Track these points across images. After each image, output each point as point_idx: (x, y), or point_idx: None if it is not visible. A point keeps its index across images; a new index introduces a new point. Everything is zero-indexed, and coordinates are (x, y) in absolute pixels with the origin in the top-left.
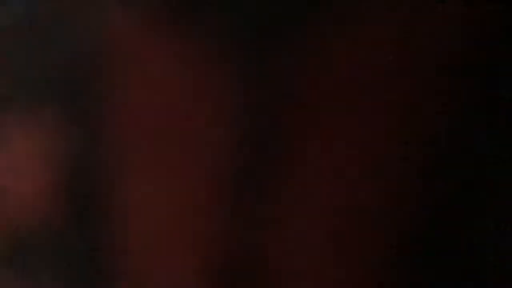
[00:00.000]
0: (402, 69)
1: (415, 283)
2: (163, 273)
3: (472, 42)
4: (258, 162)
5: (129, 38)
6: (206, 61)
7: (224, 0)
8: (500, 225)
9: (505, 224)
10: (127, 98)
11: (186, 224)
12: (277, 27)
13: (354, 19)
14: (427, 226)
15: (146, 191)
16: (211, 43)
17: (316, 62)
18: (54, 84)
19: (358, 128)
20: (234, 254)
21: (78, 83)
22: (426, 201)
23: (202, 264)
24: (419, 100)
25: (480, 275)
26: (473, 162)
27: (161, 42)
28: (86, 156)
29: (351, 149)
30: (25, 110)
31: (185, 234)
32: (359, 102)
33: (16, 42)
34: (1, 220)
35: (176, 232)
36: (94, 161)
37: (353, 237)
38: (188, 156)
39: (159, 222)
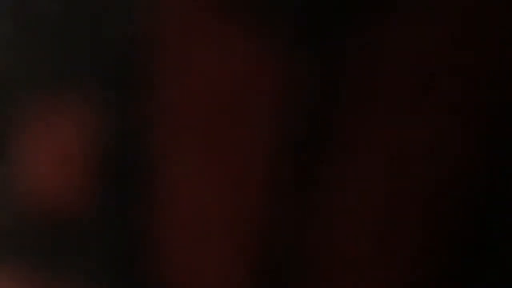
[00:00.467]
0: (461, 65)
1: (466, 279)
2: (203, 265)
3: None
4: (308, 157)
5: (178, 22)
6: (258, 50)
7: None
8: None
9: None
10: (172, 84)
11: (229, 216)
12: (334, 24)
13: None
14: (480, 223)
15: (189, 181)
16: (265, 35)
17: (368, 60)
18: (96, 68)
19: (410, 125)
20: (275, 244)
21: (122, 67)
22: (480, 199)
23: (245, 258)
24: (480, 98)
25: None
26: None
27: (212, 29)
28: (128, 143)
29: (403, 146)
30: (65, 93)
31: (227, 228)
32: (412, 99)
33: (62, 26)
34: (38, 208)
35: (218, 225)
36: (136, 149)
37: (401, 234)
38: (234, 147)
39: (201, 213)
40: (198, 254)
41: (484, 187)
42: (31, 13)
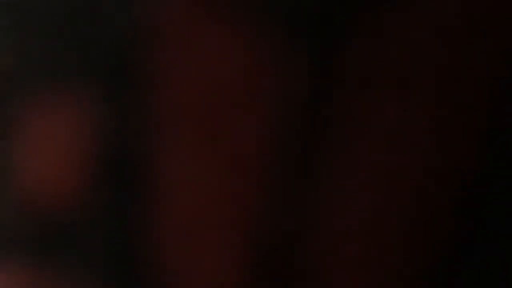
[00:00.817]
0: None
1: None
2: (199, 261)
3: None
4: (307, 154)
5: (177, 20)
6: (257, 48)
7: None
8: None
9: None
10: (170, 82)
11: (226, 210)
12: (332, 17)
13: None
14: (478, 227)
15: (188, 178)
16: (264, 33)
17: (367, 58)
18: (95, 65)
19: (409, 123)
20: (273, 241)
21: (121, 64)
22: (476, 203)
23: (240, 252)
24: (477, 94)
25: None
26: None
27: (210, 27)
28: (127, 141)
29: (402, 144)
30: (63, 90)
31: (224, 221)
32: (411, 97)
33: (56, 21)
34: (38, 207)
35: (217, 222)
36: (135, 146)
37: (395, 234)
38: (233, 144)
39: (200, 210)
40: (196, 251)
41: (481, 186)
42: (30, 11)
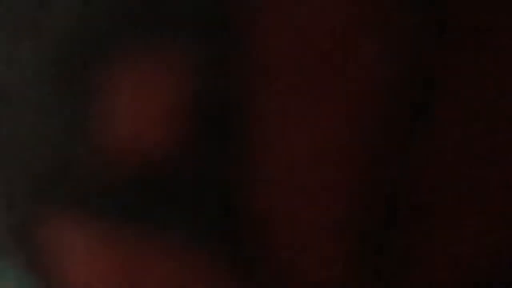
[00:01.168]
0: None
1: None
2: (295, 214)
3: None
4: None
5: None
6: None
7: None
8: None
9: None
10: (262, 30)
11: (325, 171)
12: None
13: None
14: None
15: (284, 134)
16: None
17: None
18: (189, 22)
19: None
20: (375, 201)
21: (211, 12)
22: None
23: (341, 208)
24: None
25: None
26: None
27: None
28: (221, 95)
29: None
30: (152, 43)
31: (323, 179)
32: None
33: None
34: (127, 163)
35: (311, 175)
36: (229, 100)
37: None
38: (331, 98)
39: (296, 166)
40: (293, 206)
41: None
42: None
